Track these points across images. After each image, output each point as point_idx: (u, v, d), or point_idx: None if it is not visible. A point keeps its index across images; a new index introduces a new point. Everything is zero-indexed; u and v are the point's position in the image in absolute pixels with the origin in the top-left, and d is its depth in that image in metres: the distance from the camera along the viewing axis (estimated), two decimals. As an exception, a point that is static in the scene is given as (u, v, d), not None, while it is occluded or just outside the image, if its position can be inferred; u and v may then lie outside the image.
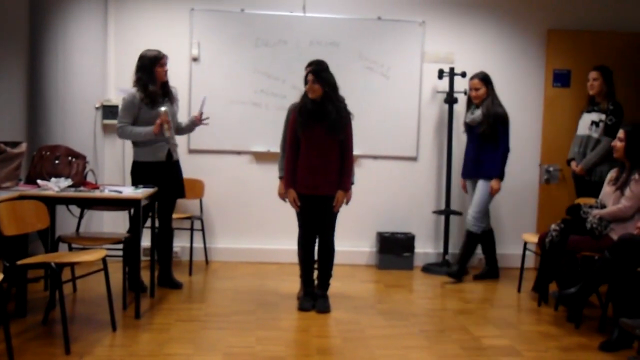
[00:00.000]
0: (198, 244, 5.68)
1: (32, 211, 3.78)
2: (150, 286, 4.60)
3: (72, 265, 4.20)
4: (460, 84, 5.76)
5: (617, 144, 4.41)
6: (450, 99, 5.81)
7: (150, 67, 4.63)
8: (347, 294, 4.92)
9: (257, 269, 5.66)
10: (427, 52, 5.95)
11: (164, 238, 4.84)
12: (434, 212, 5.99)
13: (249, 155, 5.90)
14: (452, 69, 5.81)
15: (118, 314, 4.11)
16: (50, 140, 5.13)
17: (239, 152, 5.89)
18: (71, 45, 5.37)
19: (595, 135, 5.11)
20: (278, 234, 5.79)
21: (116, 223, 5.51)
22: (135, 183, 4.62)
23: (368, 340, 3.90)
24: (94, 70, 5.55)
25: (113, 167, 5.77)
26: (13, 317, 3.92)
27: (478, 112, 5.37)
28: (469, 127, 5.51)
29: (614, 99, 5.10)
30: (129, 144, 5.05)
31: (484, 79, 5.39)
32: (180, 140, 5.25)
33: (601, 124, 5.07)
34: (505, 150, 5.31)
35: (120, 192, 4.16)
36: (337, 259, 4.61)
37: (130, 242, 4.25)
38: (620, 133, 4.43)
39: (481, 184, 5.39)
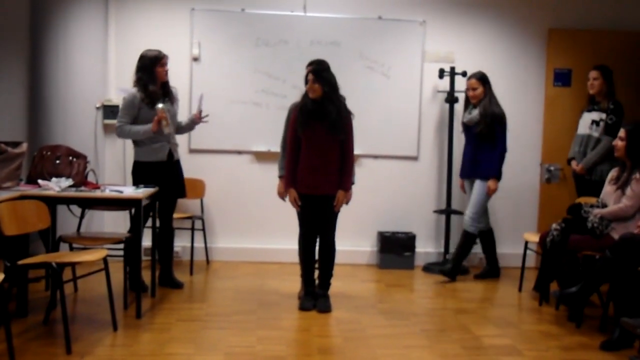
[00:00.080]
0: (199, 243, 5.68)
1: (33, 211, 3.78)
2: (151, 286, 4.60)
3: (73, 265, 4.21)
4: (461, 84, 5.75)
5: (618, 143, 4.41)
6: (451, 99, 5.81)
7: (151, 67, 4.63)
8: (348, 293, 4.92)
9: (258, 268, 5.66)
10: (427, 51, 5.95)
11: (164, 238, 4.84)
12: (435, 211, 5.99)
13: (250, 155, 5.90)
14: (452, 69, 5.81)
15: (119, 314, 4.10)
16: (51, 140, 5.13)
17: (239, 152, 5.89)
18: (72, 45, 5.37)
19: (595, 134, 5.11)
20: (279, 233, 5.79)
21: (117, 223, 5.52)
22: (136, 183, 4.63)
23: (369, 340, 3.90)
24: (95, 70, 5.56)
25: (114, 167, 5.77)
26: (14, 317, 3.92)
27: (475, 112, 5.36)
28: (467, 127, 5.50)
29: (614, 98, 5.11)
30: (129, 143, 5.04)
31: (482, 78, 5.38)
32: (181, 139, 5.26)
33: (601, 123, 5.07)
34: (503, 150, 5.30)
35: (121, 192, 4.16)
36: (338, 259, 4.61)
37: (131, 241, 4.26)
38: (622, 132, 4.42)
39: (478, 184, 5.38)
